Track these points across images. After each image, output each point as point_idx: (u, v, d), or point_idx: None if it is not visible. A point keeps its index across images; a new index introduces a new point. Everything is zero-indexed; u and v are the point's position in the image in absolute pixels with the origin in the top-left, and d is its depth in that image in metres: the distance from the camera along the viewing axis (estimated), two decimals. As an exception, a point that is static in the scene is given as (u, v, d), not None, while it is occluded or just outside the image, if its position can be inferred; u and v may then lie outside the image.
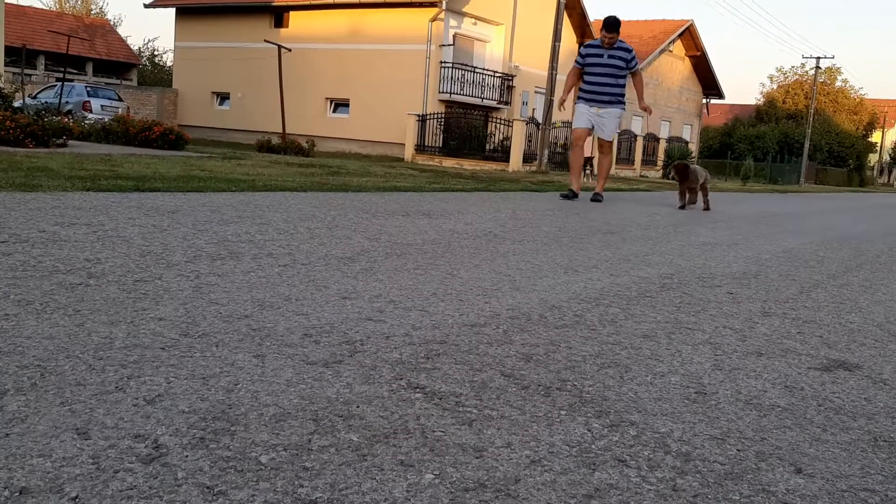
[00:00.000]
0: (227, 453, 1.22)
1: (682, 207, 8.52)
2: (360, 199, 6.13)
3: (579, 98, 8.67)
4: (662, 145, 30.46)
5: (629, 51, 8.57)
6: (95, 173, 6.34)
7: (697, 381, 1.87)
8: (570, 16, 26.93)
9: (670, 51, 34.77)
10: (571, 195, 8.52)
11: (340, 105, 25.36)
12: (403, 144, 22.30)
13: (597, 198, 8.59)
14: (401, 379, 1.67)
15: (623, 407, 1.63)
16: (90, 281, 2.33)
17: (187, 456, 1.20)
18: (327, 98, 25.28)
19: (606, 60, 8.46)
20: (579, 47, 9.11)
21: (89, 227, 3.32)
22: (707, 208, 8.69)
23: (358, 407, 1.48)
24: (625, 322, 2.43)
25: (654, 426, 1.53)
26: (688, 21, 34.97)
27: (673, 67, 35.71)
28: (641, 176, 27.22)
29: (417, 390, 1.61)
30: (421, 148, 22.21)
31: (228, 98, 27.85)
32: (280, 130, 17.91)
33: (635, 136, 29.19)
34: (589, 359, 1.97)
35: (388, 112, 23.24)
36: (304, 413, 1.42)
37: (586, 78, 8.60)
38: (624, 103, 8.70)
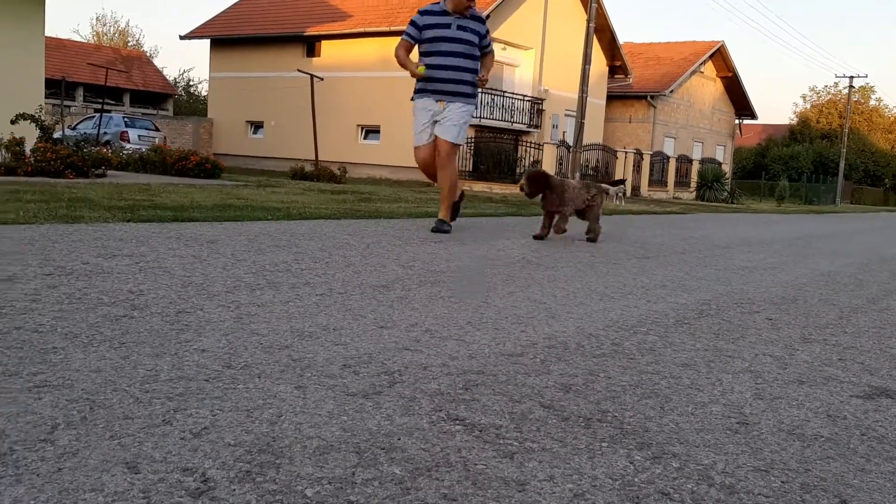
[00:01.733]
0: (273, 486, 1.24)
1: (539, 237, 5.81)
2: (392, 226, 6.18)
3: (417, 91, 6.01)
4: (696, 166, 30.27)
5: (484, 22, 6.08)
6: (135, 203, 6.46)
7: (739, 410, 1.85)
8: (599, 39, 27.00)
9: (701, 72, 34.65)
10: (441, 227, 5.88)
11: (371, 131, 25.60)
12: (434, 169, 22.41)
13: (440, 227, 5.82)
14: (440, 410, 1.68)
15: (665, 438, 1.62)
16: (134, 313, 2.37)
17: (235, 490, 1.22)
18: (358, 125, 25.54)
19: (455, 33, 5.79)
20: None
21: (131, 259, 3.39)
22: (592, 238, 5.95)
23: (399, 439, 1.49)
24: (663, 350, 2.42)
25: (697, 458, 1.52)
26: (718, 42, 34.84)
27: (704, 88, 35.56)
28: (675, 198, 27.05)
29: (457, 422, 1.61)
30: (452, 173, 22.29)
31: (262, 127, 28.26)
32: (313, 158, 18.11)
33: (668, 157, 29.05)
34: (628, 389, 1.96)
35: (419, 138, 23.39)
36: (347, 445, 1.43)
37: (425, 60, 5.85)
38: (475, 97, 6.06)
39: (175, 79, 48.81)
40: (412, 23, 5.93)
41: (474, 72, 5.96)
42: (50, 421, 1.44)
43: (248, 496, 1.20)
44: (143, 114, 33.48)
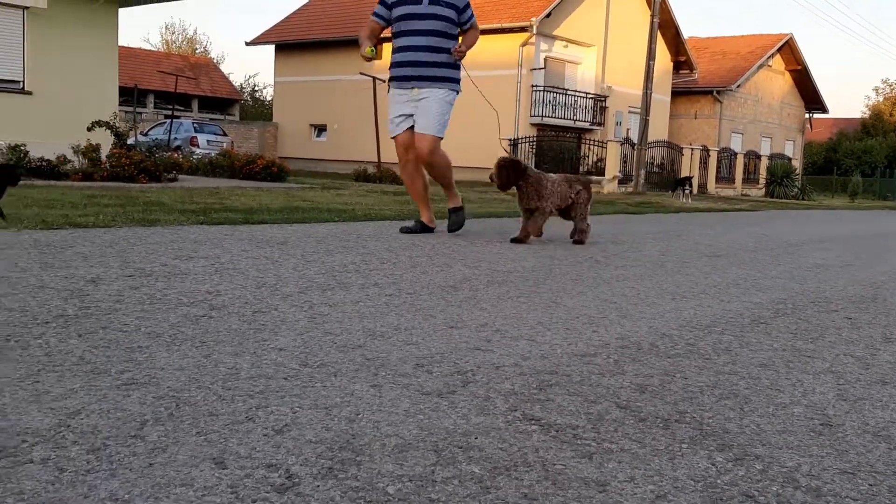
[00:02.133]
0: (355, 483, 1.26)
1: (518, 240, 5.03)
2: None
3: (390, 78, 5.37)
4: (764, 162, 29.52)
5: None
6: (206, 206, 6.63)
7: (822, 412, 1.80)
8: (663, 34, 26.55)
9: (769, 65, 33.76)
10: (417, 228, 5.45)
11: None
12: (496, 169, 22.36)
13: (457, 219, 5.57)
14: (515, 410, 1.68)
15: (746, 440, 1.59)
16: (212, 313, 2.44)
17: (318, 486, 1.24)
18: None
19: (427, 9, 5.12)
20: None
21: (207, 260, 3.48)
22: (579, 239, 5.22)
23: (476, 438, 1.49)
24: (740, 351, 2.37)
25: (781, 460, 1.49)
26: (786, 35, 33.90)
27: (772, 82, 34.64)
28: (743, 195, 26.43)
29: (533, 422, 1.61)
30: (514, 172, 22.22)
31: (325, 130, 28.66)
32: (375, 160, 18.29)
33: (735, 153, 28.41)
34: (706, 390, 1.92)
35: (480, 137, 23.40)
36: (425, 444, 1.45)
37: (397, 41, 5.25)
38: (457, 81, 5.32)
39: (241, 84, 49.90)
40: (380, 0, 5.30)
41: (450, 53, 5.19)
42: (139, 417, 1.49)
43: (331, 492, 1.22)
44: (210, 119, 34.33)
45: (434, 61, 5.17)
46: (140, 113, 32.68)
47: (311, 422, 1.52)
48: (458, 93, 5.37)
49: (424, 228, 5.52)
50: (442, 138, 5.28)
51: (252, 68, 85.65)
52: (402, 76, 5.23)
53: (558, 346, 2.27)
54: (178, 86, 25.70)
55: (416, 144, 5.20)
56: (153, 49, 47.32)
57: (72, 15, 12.96)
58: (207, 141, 23.28)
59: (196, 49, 51.38)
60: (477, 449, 1.44)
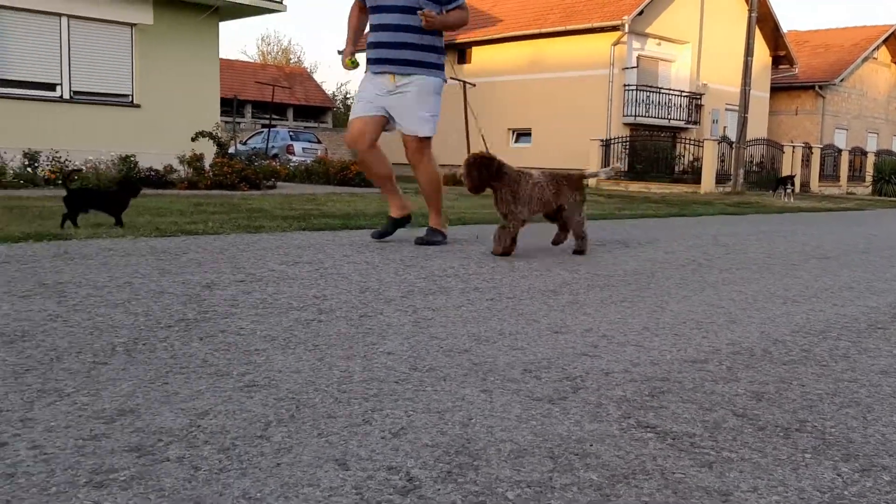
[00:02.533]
0: (474, 488, 1.28)
1: (501, 252, 4.24)
2: (551, 230, 6.15)
3: (367, 62, 4.65)
4: (871, 159, 28.14)
5: None
6: (305, 212, 6.82)
7: (955, 423, 1.71)
8: (761, 28, 25.68)
9: (874, 58, 32.17)
10: (386, 230, 4.79)
11: (522, 135, 25.63)
12: (587, 171, 22.09)
13: (429, 238, 4.66)
14: (629, 417, 1.66)
15: (872, 450, 1.53)
16: (321, 317, 2.51)
17: (439, 489, 1.26)
18: (509, 128, 25.64)
19: None
20: None
21: (311, 266, 3.58)
22: (579, 248, 4.44)
23: (591, 445, 1.49)
24: (858, 357, 2.27)
25: (913, 474, 1.42)
26: (892, 26, 32.24)
27: (878, 75, 32.99)
28: (848, 193, 25.28)
29: (648, 430, 1.59)
30: (606, 173, 21.90)
31: (416, 134, 28.95)
32: (466, 163, 18.35)
33: (839, 150, 27.20)
34: (825, 398, 1.86)
35: (571, 139, 23.20)
36: (540, 450, 1.45)
37: (371, 18, 4.59)
38: (440, 67, 4.63)
39: (333, 92, 51.01)
40: None
41: (433, 33, 4.50)
42: (263, 418, 1.55)
43: (452, 496, 1.24)
44: (305, 127, 35.21)
45: (410, 42, 4.44)
46: (239, 123, 33.84)
47: (425, 426, 1.55)
48: (441, 80, 4.63)
49: (396, 224, 4.80)
50: (424, 138, 4.59)
51: (343, 76, 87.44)
52: (375, 59, 4.52)
53: (667, 352, 2.24)
54: (275, 95, 26.48)
55: (405, 144, 4.61)
56: (250, 60, 48.90)
57: (176, 30, 13.53)
58: (303, 149, 23.91)
59: (290, 59, 52.82)
60: (593, 456, 1.44)
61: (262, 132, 25.35)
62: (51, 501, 1.17)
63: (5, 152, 10.66)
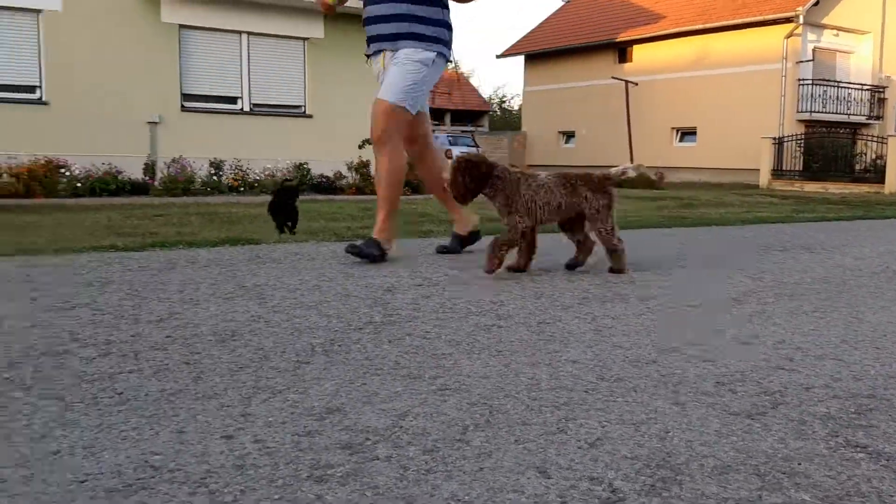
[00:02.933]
0: (680, 503, 1.26)
1: (513, 268, 3.60)
2: (725, 234, 5.92)
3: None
4: None
5: None
6: (470, 217, 6.92)
7: None
8: (956, 12, 23.51)
9: None
10: (453, 245, 4.31)
11: (687, 134, 24.80)
12: (757, 170, 21.07)
13: (362, 249, 3.76)
14: (836, 436, 1.57)
15: None
16: (500, 322, 2.55)
17: (644, 502, 1.25)
18: (673, 127, 24.88)
19: None
20: None
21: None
22: (616, 266, 3.65)
23: (799, 464, 1.43)
24: None
25: None
26: None
27: None
28: None
29: (859, 449, 1.50)
30: (778, 173, 20.80)
31: (573, 136, 28.73)
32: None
33: None
34: None
35: (739, 137, 22.18)
36: (745, 467, 1.41)
37: None
38: (438, 41, 3.93)
39: (489, 96, 51.51)
40: None
41: (427, 2, 3.88)
42: (459, 422, 1.60)
43: (659, 510, 1.23)
44: (461, 131, 35.76)
45: (397, 13, 3.86)
46: (399, 128, 34.85)
47: (622, 437, 1.54)
48: (439, 55, 3.94)
49: (465, 240, 4.27)
50: (403, 108, 3.84)
51: (499, 80, 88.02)
52: (368, 36, 4.01)
53: (870, 367, 2.10)
54: (434, 101, 27.14)
55: (371, 114, 3.89)
56: (410, 67, 50.16)
57: (344, 42, 14.13)
58: (461, 152, 24.28)
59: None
60: (802, 475, 1.38)
61: (423, 137, 25.97)
62: (278, 493, 1.26)
63: (194, 162, 11.54)
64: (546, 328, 2.48)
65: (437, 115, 41.49)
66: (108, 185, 10.34)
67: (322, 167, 12.49)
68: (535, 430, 1.57)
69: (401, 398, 1.74)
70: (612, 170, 3.70)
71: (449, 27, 4.00)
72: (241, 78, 13.46)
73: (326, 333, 2.33)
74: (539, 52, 29.51)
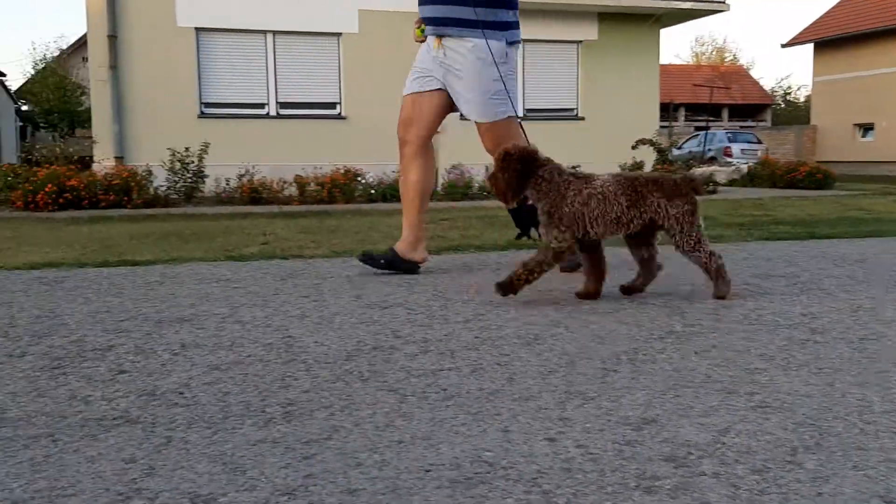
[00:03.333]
0: None
1: (582, 294, 3.06)
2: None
3: None
4: None
5: None
6: (753, 219, 6.56)
7: None
8: None
9: None
10: (376, 260, 3.73)
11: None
12: None
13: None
14: None
15: None
16: (815, 337, 2.38)
17: None
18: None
19: None
20: None
21: (785, 279, 3.41)
22: (719, 292, 2.96)
23: None
24: None
25: None
26: None
27: None
28: None
29: None
30: None
31: (871, 129, 25.95)
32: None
33: None
34: None
35: None
36: None
37: None
38: (490, 25, 3.44)
39: (772, 88, 48.13)
40: None
41: None
42: (787, 443, 1.53)
43: None
44: (741, 127, 33.80)
45: None
46: (672, 127, 33.79)
47: (984, 473, 1.38)
48: (502, 42, 3.47)
49: (396, 262, 3.70)
50: (496, 122, 3.55)
51: (783, 71, 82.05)
52: (422, 16, 3.63)
53: None
54: (711, 96, 25.89)
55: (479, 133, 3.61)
56: (683, 63, 48.45)
57: (619, 41, 14.01)
58: (741, 150, 22.95)
59: (725, 58, 51.09)
60: None
61: (698, 135, 24.96)
62: (609, 499, 1.29)
63: (472, 168, 12.08)
64: (868, 345, 2.28)
65: (713, 111, 39.61)
66: (398, 191, 11.14)
67: (594, 169, 12.47)
68: (874, 456, 1.46)
69: (718, 413, 1.70)
70: (696, 171, 3.17)
71: (495, 3, 3.49)
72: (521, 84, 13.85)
73: (628, 342, 2.33)
74: (831, 39, 27.03)
